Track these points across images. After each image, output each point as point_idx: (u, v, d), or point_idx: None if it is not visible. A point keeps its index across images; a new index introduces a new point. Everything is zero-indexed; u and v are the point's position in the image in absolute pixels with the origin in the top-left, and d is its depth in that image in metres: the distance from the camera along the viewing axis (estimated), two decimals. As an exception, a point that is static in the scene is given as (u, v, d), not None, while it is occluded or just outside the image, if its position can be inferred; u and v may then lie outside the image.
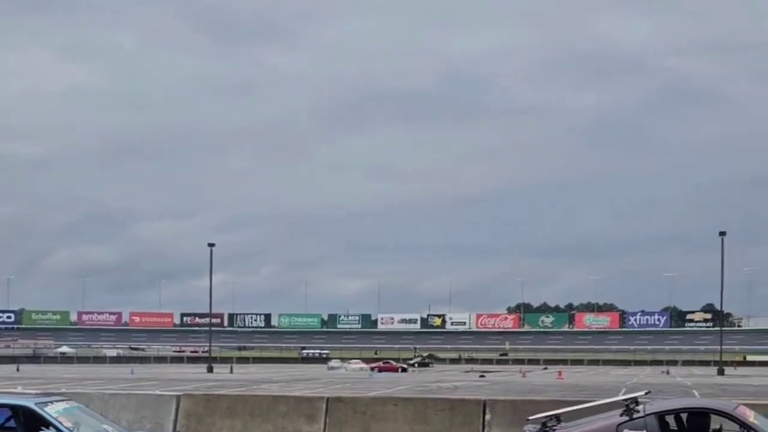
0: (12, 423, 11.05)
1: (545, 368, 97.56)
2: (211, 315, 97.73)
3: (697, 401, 11.16)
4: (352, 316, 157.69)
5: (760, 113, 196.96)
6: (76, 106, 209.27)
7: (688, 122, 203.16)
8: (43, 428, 10.71)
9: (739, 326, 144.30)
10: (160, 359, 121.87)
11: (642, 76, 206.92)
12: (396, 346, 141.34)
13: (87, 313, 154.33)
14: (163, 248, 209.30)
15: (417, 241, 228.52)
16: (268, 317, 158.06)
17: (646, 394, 11.03)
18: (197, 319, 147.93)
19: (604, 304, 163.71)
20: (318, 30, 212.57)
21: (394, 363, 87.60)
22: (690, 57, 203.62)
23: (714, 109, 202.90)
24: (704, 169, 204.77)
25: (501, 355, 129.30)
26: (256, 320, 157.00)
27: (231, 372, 73.05)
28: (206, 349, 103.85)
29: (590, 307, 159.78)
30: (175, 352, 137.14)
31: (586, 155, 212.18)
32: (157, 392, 23.28)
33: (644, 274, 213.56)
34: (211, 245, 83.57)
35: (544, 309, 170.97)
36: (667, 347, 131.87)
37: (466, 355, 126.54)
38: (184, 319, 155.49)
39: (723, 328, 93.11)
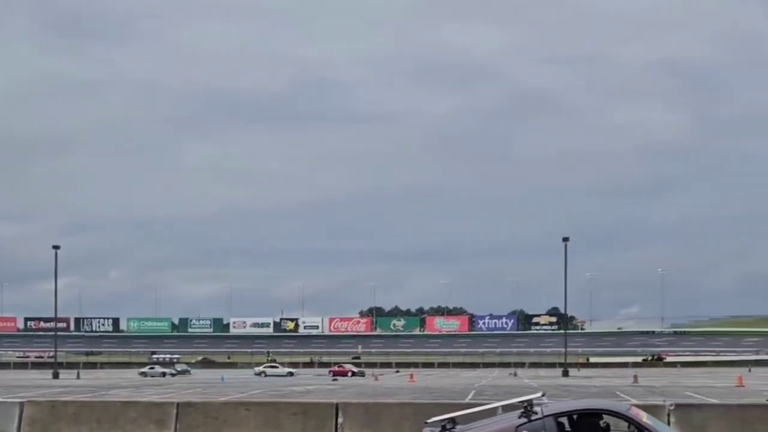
0: None
1: (397, 371, 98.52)
2: (56, 319, 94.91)
3: (592, 402, 11.39)
4: (203, 320, 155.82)
5: (602, 123, 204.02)
6: None
7: (535, 130, 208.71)
8: None
9: (582, 329, 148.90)
10: (3, 365, 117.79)
11: (493, 85, 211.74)
12: (249, 350, 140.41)
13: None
14: (5, 252, 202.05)
15: (269, 245, 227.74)
16: (116, 321, 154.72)
17: (541, 396, 11.23)
18: (42, 323, 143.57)
19: (454, 308, 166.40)
20: (171, 31, 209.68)
21: (347, 367, 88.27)
22: (540, 67, 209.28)
23: (560, 118, 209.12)
24: (549, 176, 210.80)
25: (353, 358, 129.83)
26: (104, 324, 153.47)
27: (78, 378, 71.19)
28: (52, 354, 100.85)
29: (440, 311, 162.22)
30: (18, 357, 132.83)
31: (436, 162, 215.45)
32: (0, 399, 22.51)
33: (492, 279, 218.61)
34: (55, 248, 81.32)
35: (396, 313, 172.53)
36: (514, 350, 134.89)
37: (318, 359, 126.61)
38: (28, 323, 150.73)
39: (567, 331, 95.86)
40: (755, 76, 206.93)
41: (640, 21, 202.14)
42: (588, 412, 10.62)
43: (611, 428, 10.63)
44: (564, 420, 10.46)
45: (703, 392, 39.51)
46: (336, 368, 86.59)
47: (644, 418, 10.33)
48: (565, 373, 78.04)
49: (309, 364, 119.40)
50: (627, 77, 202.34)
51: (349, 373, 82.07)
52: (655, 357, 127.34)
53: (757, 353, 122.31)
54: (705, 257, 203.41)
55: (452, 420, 10.84)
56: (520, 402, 10.82)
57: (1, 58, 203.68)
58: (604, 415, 10.65)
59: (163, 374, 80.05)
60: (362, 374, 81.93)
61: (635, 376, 60.36)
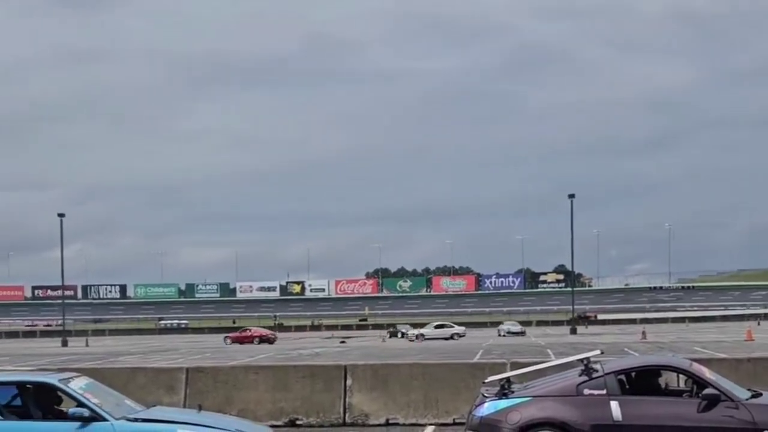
0: (18, 401, 10.76)
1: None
2: (63, 287, 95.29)
3: (653, 359, 11.30)
4: (210, 285, 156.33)
5: (608, 77, 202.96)
6: None
7: (541, 86, 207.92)
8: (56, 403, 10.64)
9: (589, 286, 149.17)
10: (12, 334, 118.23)
11: (498, 40, 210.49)
12: (255, 314, 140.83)
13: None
14: (12, 221, 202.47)
15: (275, 208, 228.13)
16: (123, 288, 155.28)
17: (600, 353, 11.15)
18: (49, 292, 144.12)
19: (460, 267, 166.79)
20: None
21: (256, 331, 77.37)
22: (546, 20, 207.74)
23: (565, 72, 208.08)
24: (554, 132, 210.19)
25: (360, 320, 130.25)
26: (111, 291, 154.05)
27: (87, 345, 71.46)
28: (60, 322, 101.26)
29: (447, 271, 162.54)
30: (27, 326, 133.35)
31: (442, 120, 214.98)
32: (9, 368, 22.52)
33: (498, 237, 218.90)
34: (61, 215, 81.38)
35: (402, 274, 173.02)
36: (521, 308, 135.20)
37: (324, 322, 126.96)
38: (36, 291, 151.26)
39: (574, 288, 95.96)
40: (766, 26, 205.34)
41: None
42: (648, 369, 10.53)
43: (669, 386, 10.57)
44: (623, 377, 10.41)
45: (712, 347, 39.50)
46: (238, 333, 75.70)
47: (707, 373, 10.27)
48: (573, 331, 78.13)
49: (315, 328, 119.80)
50: (631, 29, 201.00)
51: (255, 340, 71.38)
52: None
53: (766, 307, 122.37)
54: (713, 211, 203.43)
55: (508, 380, 10.76)
56: (578, 360, 10.74)
57: (7, 29, 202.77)
58: (663, 372, 10.57)
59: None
60: (270, 340, 71.40)
61: (643, 332, 60.39)
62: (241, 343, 69.73)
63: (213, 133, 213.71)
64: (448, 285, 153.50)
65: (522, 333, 75.05)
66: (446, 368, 16.20)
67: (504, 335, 73.13)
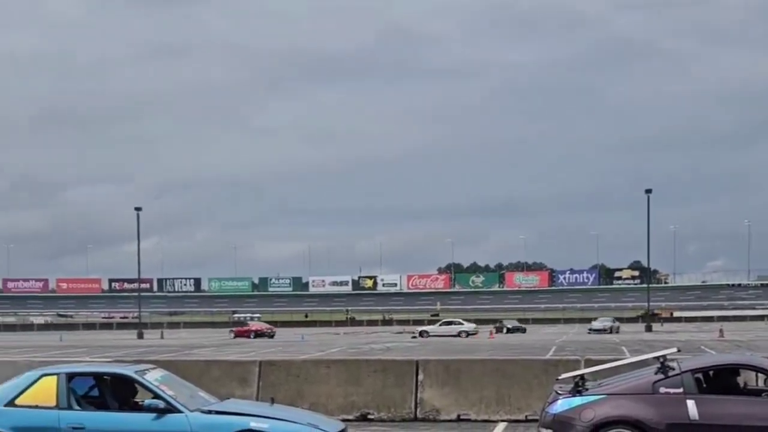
0: (95, 392, 10.97)
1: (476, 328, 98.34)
2: (139, 280, 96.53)
3: (732, 358, 11.11)
4: (283, 279, 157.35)
5: (690, 70, 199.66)
6: (6, 69, 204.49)
7: (620, 78, 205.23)
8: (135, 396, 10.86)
9: (665, 283, 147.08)
10: (89, 326, 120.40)
11: (579, 32, 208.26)
12: (328, 308, 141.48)
13: (12, 280, 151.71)
14: (92, 214, 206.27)
15: (348, 203, 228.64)
16: (198, 281, 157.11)
17: (676, 351, 10.98)
18: (126, 285, 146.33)
19: (534, 263, 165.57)
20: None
21: (254, 325, 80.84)
22: (627, 11, 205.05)
23: (647, 65, 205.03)
24: (633, 126, 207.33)
25: (432, 315, 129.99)
26: (186, 285, 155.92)
27: (162, 337, 72.46)
28: (136, 314, 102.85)
29: (520, 266, 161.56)
30: (104, 318, 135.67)
31: (517, 114, 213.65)
32: (87, 359, 22.94)
33: (573, 233, 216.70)
34: (138, 209, 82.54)
35: (475, 269, 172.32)
36: (595, 305, 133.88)
37: (396, 317, 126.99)
38: (113, 284, 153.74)
39: (650, 285, 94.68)
40: None
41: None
42: (726, 368, 10.33)
43: (748, 385, 10.36)
44: (700, 376, 10.23)
45: (790, 346, 38.69)
46: (239, 328, 77.55)
47: None
48: (648, 328, 77.16)
49: (386, 322, 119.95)
50: (715, 19, 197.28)
51: (252, 335, 72.30)
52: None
53: None
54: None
55: (582, 377, 10.65)
56: (654, 358, 10.58)
57: (88, 25, 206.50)
58: (741, 371, 10.37)
59: None
60: (270, 335, 72.48)
61: (721, 330, 59.36)
62: (240, 336, 71.54)
63: (289, 128, 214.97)
64: (521, 281, 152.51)
65: (605, 330, 72.82)
66: (519, 364, 16.08)
67: (590, 332, 71.11)
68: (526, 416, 14.90)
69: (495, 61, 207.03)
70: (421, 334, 68.88)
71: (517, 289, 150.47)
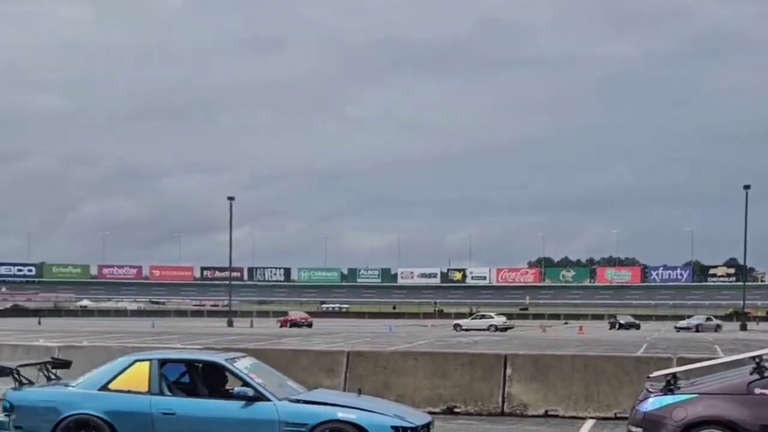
0: (186, 379, 11.20)
1: (566, 323, 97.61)
2: (231, 269, 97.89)
3: None
4: (372, 270, 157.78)
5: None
6: (106, 61, 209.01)
7: (718, 71, 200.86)
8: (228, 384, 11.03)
9: (762, 281, 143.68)
10: (181, 313, 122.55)
11: (673, 23, 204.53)
12: (416, 300, 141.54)
13: (107, 266, 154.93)
14: (186, 203, 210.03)
15: (439, 194, 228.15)
16: (287, 271, 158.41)
17: None
18: (217, 273, 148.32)
19: (626, 258, 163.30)
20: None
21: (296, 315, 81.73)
22: (723, 2, 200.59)
23: (745, 57, 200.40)
24: (731, 119, 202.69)
25: (521, 309, 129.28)
26: (275, 274, 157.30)
27: (251, 326, 73.35)
28: (226, 303, 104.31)
29: (612, 262, 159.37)
30: (195, 305, 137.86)
31: (611, 106, 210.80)
32: (178, 346, 23.34)
33: (667, 229, 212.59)
34: (230, 199, 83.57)
35: (565, 263, 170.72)
36: (689, 302, 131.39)
37: (484, 310, 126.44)
38: (204, 272, 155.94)
39: (746, 283, 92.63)
40: None
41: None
42: None
43: None
44: None
45: None
46: (284, 318, 79.88)
47: None
48: (743, 327, 75.53)
49: (460, 315, 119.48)
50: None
51: (288, 323, 75.65)
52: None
53: None
54: None
55: (674, 375, 10.47)
56: (749, 357, 10.34)
57: (188, 15, 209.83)
58: None
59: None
60: (307, 324, 74.76)
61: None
62: (284, 326, 74.32)
63: (382, 118, 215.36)
64: (612, 276, 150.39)
65: (691, 329, 71.34)
66: (610, 361, 15.87)
67: (677, 330, 69.72)
68: (615, 414, 14.71)
69: (588, 53, 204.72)
70: (455, 327, 69.97)
71: (608, 284, 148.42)
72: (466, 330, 66.90)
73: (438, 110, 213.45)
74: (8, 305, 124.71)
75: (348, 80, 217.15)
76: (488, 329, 67.27)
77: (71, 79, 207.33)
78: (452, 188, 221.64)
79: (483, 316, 73.66)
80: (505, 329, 68.25)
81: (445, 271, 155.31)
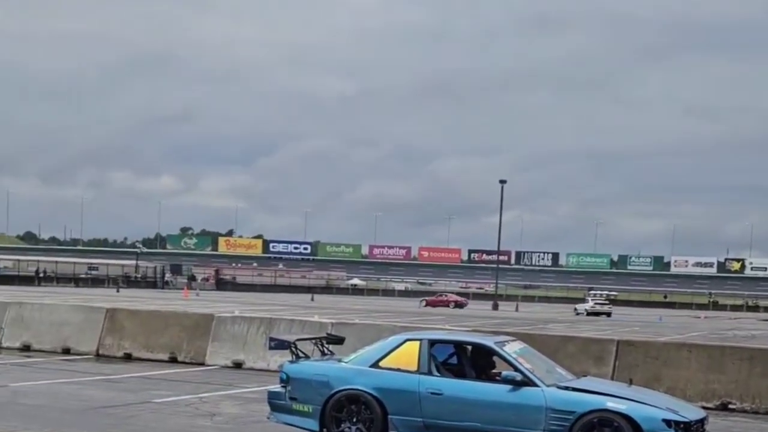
0: (454, 360, 11.42)
1: None
2: (498, 252, 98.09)
3: None
4: (643, 257, 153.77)
5: None
6: (392, 44, 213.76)
7: None
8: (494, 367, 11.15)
9: None
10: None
11: None
12: (688, 290, 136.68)
13: (378, 246, 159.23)
14: (457, 185, 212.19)
15: (718, 181, 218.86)
16: (556, 256, 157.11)
17: None
18: (484, 256, 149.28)
19: None
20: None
21: (450, 297, 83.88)
22: None
23: None
24: None
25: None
26: (543, 259, 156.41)
27: (516, 310, 73.29)
28: (491, 286, 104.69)
29: None
30: (461, 288, 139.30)
31: None
32: (447, 327, 23.72)
33: None
34: (502, 182, 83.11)
35: None
36: None
37: (761, 303, 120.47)
38: (472, 255, 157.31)
39: None
40: None
41: None
42: None
43: None
44: None
45: None
46: (434, 298, 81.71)
47: None
48: None
49: (752, 308, 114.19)
50: None
51: (451, 304, 76.91)
52: None
53: None
54: None
55: None
56: None
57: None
58: None
59: None
60: (461, 305, 76.87)
61: None
62: (434, 306, 75.20)
63: (665, 100, 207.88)
64: None
65: None
66: None
67: None
68: None
69: None
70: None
71: None
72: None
73: (728, 93, 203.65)
74: (285, 282, 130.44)
75: (631, 60, 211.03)
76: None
77: (359, 63, 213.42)
78: (734, 174, 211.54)
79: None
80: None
81: (722, 260, 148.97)
